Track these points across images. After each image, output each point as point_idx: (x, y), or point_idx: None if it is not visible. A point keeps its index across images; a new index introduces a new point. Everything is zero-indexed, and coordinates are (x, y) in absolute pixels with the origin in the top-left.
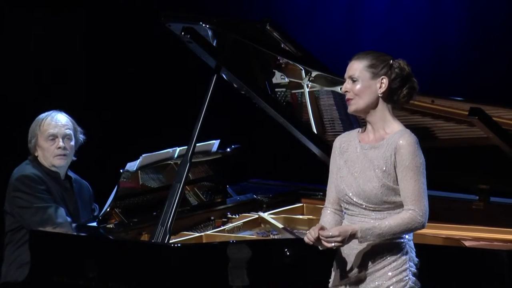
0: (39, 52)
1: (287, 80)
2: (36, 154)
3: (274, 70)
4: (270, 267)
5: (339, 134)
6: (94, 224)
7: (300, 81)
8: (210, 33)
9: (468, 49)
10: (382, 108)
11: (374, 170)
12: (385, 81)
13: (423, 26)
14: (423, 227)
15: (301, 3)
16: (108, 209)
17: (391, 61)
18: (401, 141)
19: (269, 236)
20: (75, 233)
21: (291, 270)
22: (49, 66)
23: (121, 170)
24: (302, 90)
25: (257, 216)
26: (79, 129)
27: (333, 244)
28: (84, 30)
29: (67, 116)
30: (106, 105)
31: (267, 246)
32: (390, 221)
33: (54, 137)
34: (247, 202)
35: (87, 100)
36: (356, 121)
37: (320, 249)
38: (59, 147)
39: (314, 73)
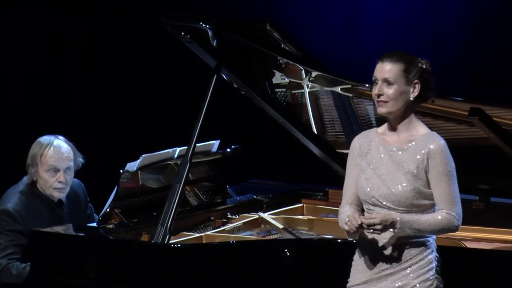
0: (38, 52)
1: (287, 80)
2: (34, 179)
3: (274, 70)
4: (270, 268)
5: (339, 134)
6: (94, 224)
7: (300, 81)
8: (210, 33)
9: (468, 49)
10: (410, 111)
11: (404, 174)
12: (418, 86)
13: (423, 26)
14: (457, 230)
15: (301, 3)
16: (108, 210)
17: (420, 65)
18: (432, 146)
19: (269, 236)
20: (75, 233)
21: (291, 271)
22: (47, 67)
23: (121, 170)
24: (302, 90)
25: (257, 216)
26: (78, 154)
27: (371, 231)
28: (83, 30)
29: (67, 143)
30: (106, 105)
31: (267, 246)
32: (429, 218)
33: (55, 170)
34: (247, 202)
35: (87, 100)
36: (355, 122)
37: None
38: (60, 181)
39: (314, 73)
